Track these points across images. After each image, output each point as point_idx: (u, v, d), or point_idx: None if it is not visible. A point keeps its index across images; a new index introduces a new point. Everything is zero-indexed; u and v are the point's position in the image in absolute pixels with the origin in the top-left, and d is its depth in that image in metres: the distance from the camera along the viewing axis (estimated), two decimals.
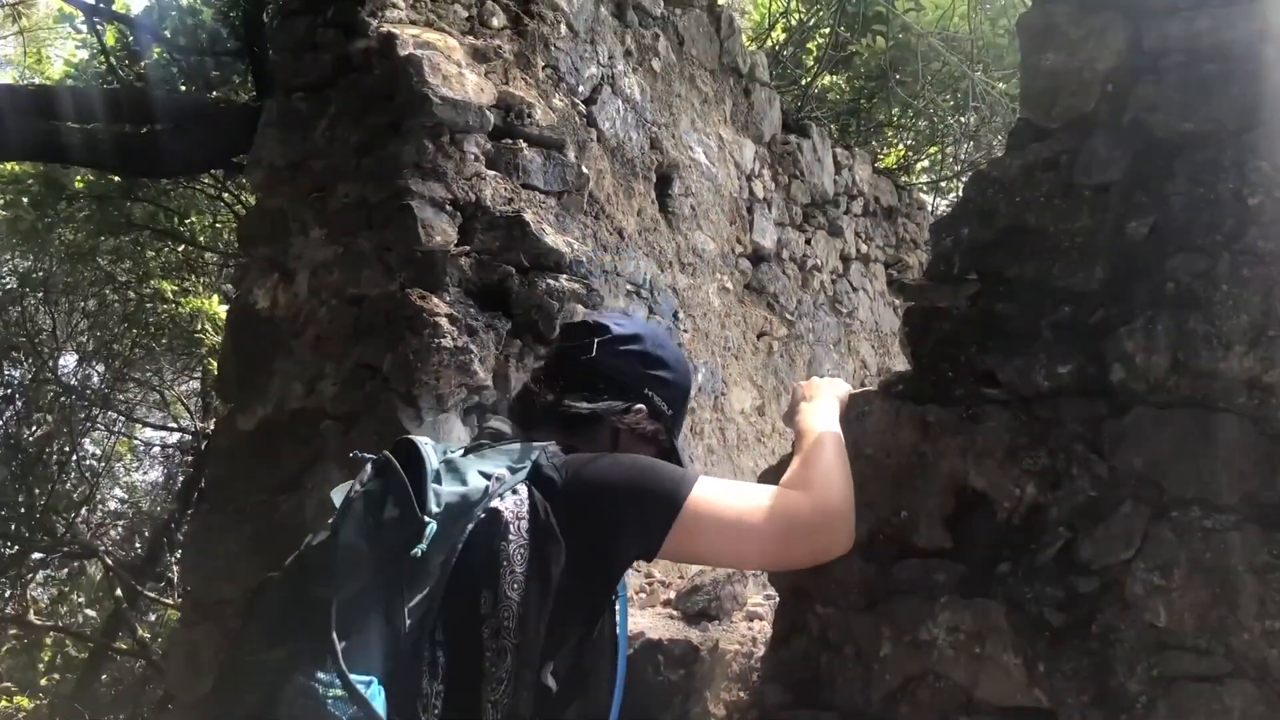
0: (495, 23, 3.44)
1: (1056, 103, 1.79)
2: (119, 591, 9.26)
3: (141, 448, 13.16)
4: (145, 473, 13.62)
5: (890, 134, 7.54)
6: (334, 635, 1.30)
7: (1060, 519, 1.61)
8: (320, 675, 1.29)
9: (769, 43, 6.93)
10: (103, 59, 6.33)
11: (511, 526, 1.41)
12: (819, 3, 6.78)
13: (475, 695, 1.36)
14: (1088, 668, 1.53)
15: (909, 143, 7.87)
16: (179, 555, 8.49)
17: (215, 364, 4.47)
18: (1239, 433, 1.49)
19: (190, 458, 11.08)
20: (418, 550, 1.36)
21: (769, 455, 4.37)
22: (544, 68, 3.45)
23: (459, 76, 2.83)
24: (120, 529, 13.12)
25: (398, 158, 2.67)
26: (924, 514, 1.73)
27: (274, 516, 2.59)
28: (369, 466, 1.50)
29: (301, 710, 1.28)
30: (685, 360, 1.90)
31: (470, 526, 1.40)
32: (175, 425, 12.10)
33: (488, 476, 1.47)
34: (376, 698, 1.27)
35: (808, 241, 5.48)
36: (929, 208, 7.47)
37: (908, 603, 1.71)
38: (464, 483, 1.46)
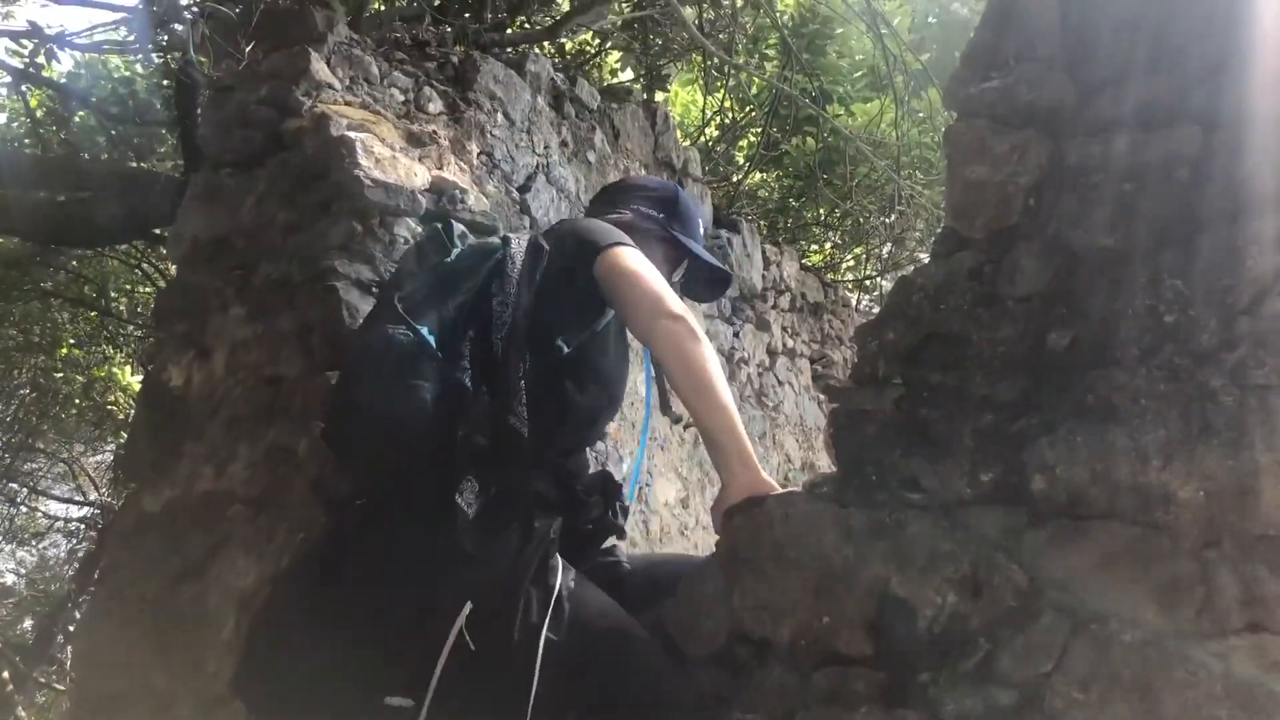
0: (432, 108, 3.44)
1: (981, 214, 1.82)
2: (5, 674, 8.78)
3: (44, 521, 12.65)
4: (46, 549, 13.07)
5: (818, 232, 7.70)
6: (397, 302, 1.98)
7: (981, 629, 1.60)
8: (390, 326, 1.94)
9: (702, 139, 7.07)
10: (24, 122, 6.21)
11: (515, 243, 2.15)
12: (752, 103, 6.95)
13: (487, 339, 2.00)
14: None
15: (836, 241, 8.03)
16: (71, 641, 8.11)
17: (126, 436, 4.32)
18: (1156, 547, 1.50)
19: (95, 534, 10.67)
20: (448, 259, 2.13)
21: (692, 549, 4.33)
22: (479, 154, 3.46)
23: (392, 160, 2.82)
24: (9, 606, 12.51)
25: (325, 238, 2.63)
26: (845, 620, 1.71)
27: (174, 605, 2.47)
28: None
29: (376, 338, 1.95)
30: (665, 182, 2.71)
31: (496, 256, 2.12)
32: (82, 499, 11.66)
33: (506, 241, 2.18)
34: (428, 335, 1.93)
35: (735, 334, 5.52)
36: (854, 305, 7.61)
37: (827, 711, 1.68)
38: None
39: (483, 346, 2.01)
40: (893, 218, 6.98)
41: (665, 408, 2.35)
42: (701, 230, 2.51)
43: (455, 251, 2.17)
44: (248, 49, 3.24)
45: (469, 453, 1.88)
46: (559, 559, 1.88)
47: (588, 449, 2.25)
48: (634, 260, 2.07)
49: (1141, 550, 1.50)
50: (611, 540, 2.18)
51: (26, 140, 6.35)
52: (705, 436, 1.98)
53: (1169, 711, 1.44)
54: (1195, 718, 1.41)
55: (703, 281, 2.51)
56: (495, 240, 2.22)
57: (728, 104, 7.07)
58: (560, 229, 2.28)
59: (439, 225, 2.25)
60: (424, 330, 1.95)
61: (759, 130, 6.86)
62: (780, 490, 1.91)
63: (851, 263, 8.27)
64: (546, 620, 1.76)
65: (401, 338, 1.93)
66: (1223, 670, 1.41)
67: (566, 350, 2.08)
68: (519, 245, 2.16)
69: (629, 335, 2.28)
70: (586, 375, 2.12)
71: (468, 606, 1.75)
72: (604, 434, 2.70)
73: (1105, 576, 1.52)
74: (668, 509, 4.30)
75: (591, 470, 2.19)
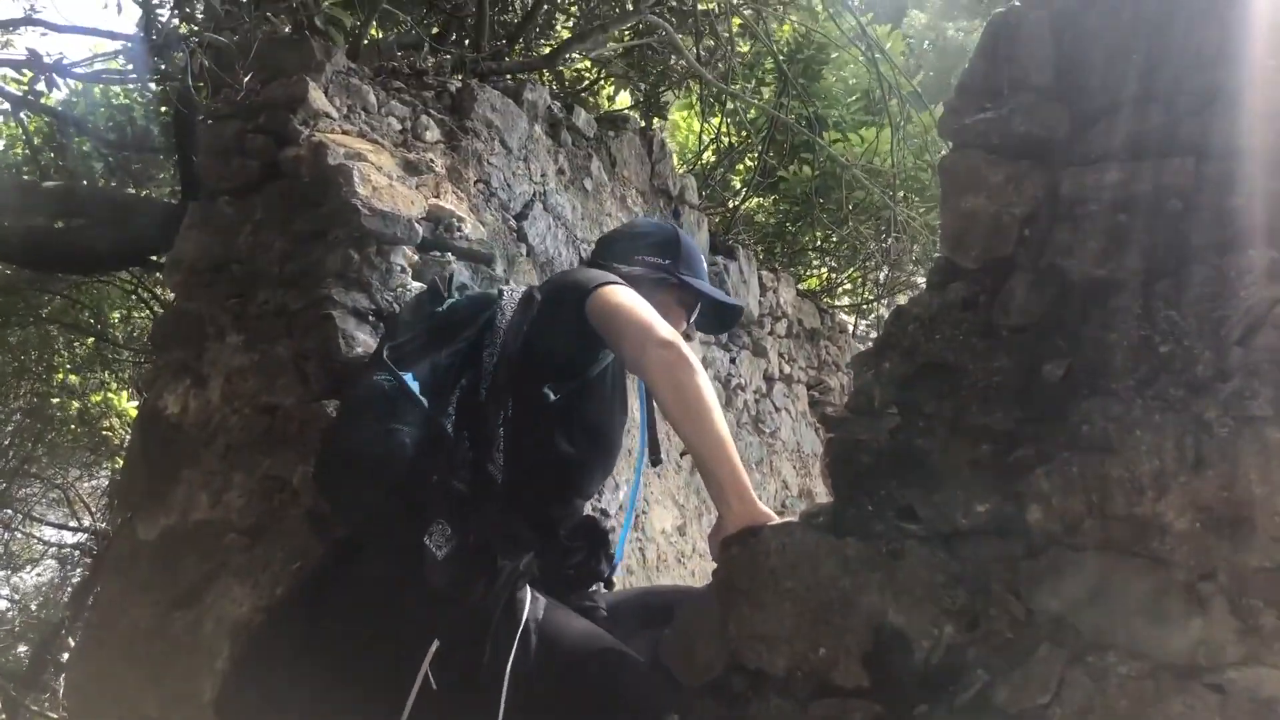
0: (429, 137, 3.46)
1: (976, 244, 1.83)
2: None
3: (38, 547, 12.60)
4: (40, 574, 13.01)
5: (814, 258, 7.71)
6: (384, 352, 2.04)
7: (978, 660, 1.59)
8: (377, 374, 2.01)
9: (699, 165, 7.09)
10: (21, 149, 6.22)
11: (506, 294, 2.21)
12: (748, 129, 6.98)
13: (477, 387, 2.04)
14: None
15: (831, 266, 8.05)
16: (65, 669, 8.05)
17: (122, 463, 4.30)
18: (1152, 579, 1.50)
19: (89, 560, 10.64)
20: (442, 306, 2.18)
21: (689, 576, 4.31)
22: (476, 182, 3.47)
23: (389, 188, 2.83)
24: (2, 633, 12.44)
25: (322, 266, 2.64)
26: (842, 651, 1.70)
27: (168, 634, 2.46)
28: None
29: (363, 385, 2.01)
30: (662, 224, 2.69)
31: (493, 306, 2.17)
32: (76, 525, 11.62)
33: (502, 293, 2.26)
34: (412, 382, 1.98)
35: (732, 361, 5.53)
36: (851, 331, 7.62)
37: None
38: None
39: (472, 394, 2.04)
40: (889, 242, 7.00)
41: (655, 457, 2.34)
42: (704, 263, 2.51)
43: (449, 302, 2.20)
44: (246, 78, 3.26)
45: (446, 496, 1.90)
46: (528, 591, 1.88)
47: (582, 499, 2.25)
48: (623, 294, 2.08)
49: (1138, 582, 1.50)
50: (597, 587, 2.18)
51: (24, 167, 6.37)
52: (699, 465, 1.96)
53: None
54: None
55: (713, 315, 2.51)
56: (494, 291, 2.27)
57: (725, 130, 7.10)
58: (553, 279, 2.32)
59: (437, 277, 2.31)
60: (408, 377, 1.99)
61: (755, 156, 6.88)
62: (777, 520, 1.91)
63: (848, 287, 8.28)
64: (512, 654, 1.77)
65: (384, 384, 1.97)
66: (1219, 703, 1.41)
67: (554, 398, 2.08)
68: (511, 296, 2.20)
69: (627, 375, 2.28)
70: (575, 425, 2.12)
71: (435, 644, 1.77)
72: (602, 487, 2.74)
73: (1102, 608, 1.52)
74: (664, 537, 4.29)
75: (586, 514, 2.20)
